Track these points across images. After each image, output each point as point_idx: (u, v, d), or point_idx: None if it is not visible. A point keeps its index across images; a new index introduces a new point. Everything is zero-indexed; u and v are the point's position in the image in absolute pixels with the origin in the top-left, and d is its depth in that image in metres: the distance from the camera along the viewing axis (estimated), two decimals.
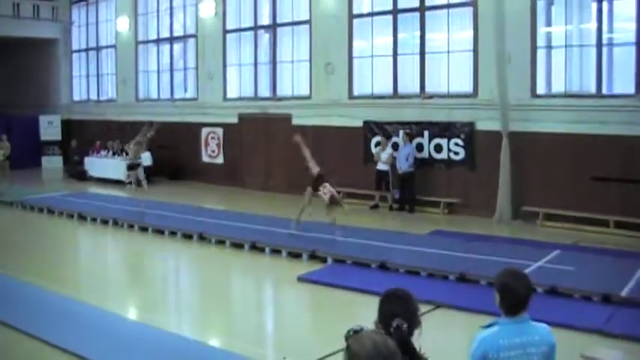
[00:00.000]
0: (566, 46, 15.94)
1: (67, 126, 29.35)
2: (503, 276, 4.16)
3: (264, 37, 22.55)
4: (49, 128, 29.32)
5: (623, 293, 9.80)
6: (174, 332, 8.99)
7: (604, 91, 15.45)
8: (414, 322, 3.43)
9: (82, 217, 17.29)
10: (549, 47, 16.32)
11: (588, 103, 15.41)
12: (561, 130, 15.59)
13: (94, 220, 16.97)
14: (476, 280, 10.78)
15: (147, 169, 23.89)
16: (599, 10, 15.41)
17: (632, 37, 15.02)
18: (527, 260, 11.36)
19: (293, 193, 20.50)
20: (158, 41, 26.33)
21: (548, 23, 16.40)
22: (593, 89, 15.55)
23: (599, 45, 15.39)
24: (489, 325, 4.10)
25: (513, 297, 4.04)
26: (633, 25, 14.99)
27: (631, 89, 15.01)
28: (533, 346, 3.99)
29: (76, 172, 26.31)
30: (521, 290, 4.04)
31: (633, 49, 14.99)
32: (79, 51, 30.31)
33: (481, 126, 17.03)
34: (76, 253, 15.00)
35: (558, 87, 16.17)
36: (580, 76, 15.85)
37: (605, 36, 15.45)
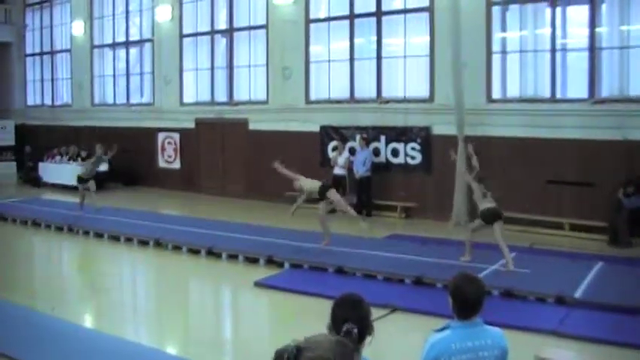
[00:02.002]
0: (520, 52, 16.15)
1: (21, 131, 28.85)
2: (455, 280, 4.17)
3: (221, 42, 22.46)
4: (2, 133, 28.74)
5: (577, 295, 9.93)
6: (131, 339, 8.88)
7: (558, 95, 15.67)
8: (364, 327, 3.41)
9: (36, 224, 16.99)
10: (504, 52, 16.50)
11: (543, 107, 15.62)
12: (516, 134, 15.77)
13: (48, 226, 16.70)
14: (432, 284, 10.82)
15: (102, 174, 23.74)
16: (553, 16, 15.63)
17: (585, 43, 15.25)
18: (483, 263, 11.46)
19: (251, 198, 20.54)
20: (114, 45, 26.06)
21: (504, 29, 16.58)
22: (547, 94, 15.76)
23: (553, 50, 15.61)
24: (442, 329, 4.10)
25: (465, 300, 4.04)
26: (586, 31, 15.22)
27: (584, 94, 15.24)
28: (485, 350, 4.00)
29: (30, 177, 25.93)
30: (473, 294, 4.04)
31: (586, 54, 15.23)
32: (32, 55, 29.84)
33: (437, 130, 17.14)
34: (29, 261, 14.74)
35: (513, 92, 16.35)
36: (535, 81, 16.05)
37: (559, 41, 15.69)
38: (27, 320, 9.49)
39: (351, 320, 3.33)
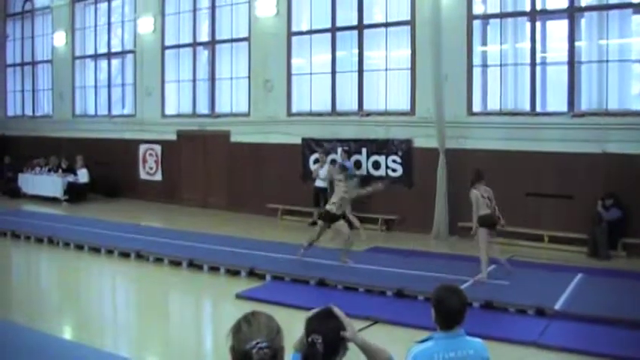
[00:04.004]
0: (501, 65, 16.26)
1: (1, 142, 28.69)
2: (438, 291, 4.22)
3: (203, 54, 22.49)
4: None
5: (557, 306, 10.00)
6: (111, 352, 8.83)
7: (538, 108, 15.80)
8: (334, 340, 3.40)
9: (15, 236, 16.85)
10: (485, 66, 16.62)
11: (522, 120, 15.74)
12: (496, 147, 15.88)
13: (27, 238, 16.58)
14: (413, 296, 10.86)
15: (83, 185, 23.67)
16: (533, 30, 15.79)
17: (565, 57, 15.40)
18: (463, 275, 11.50)
19: (232, 210, 20.51)
20: (96, 56, 26.00)
21: (484, 42, 16.71)
22: (527, 107, 15.89)
23: (533, 64, 15.75)
24: (424, 340, 4.15)
25: (447, 311, 4.10)
26: (565, 45, 15.37)
27: (564, 107, 15.39)
28: None
29: (9, 189, 25.77)
30: (455, 304, 4.10)
31: (565, 68, 15.38)
32: (13, 65, 29.69)
33: (418, 143, 17.23)
34: (8, 273, 14.59)
35: (494, 105, 16.47)
36: (515, 94, 16.16)
37: (538, 55, 15.83)
38: (4, 333, 9.41)
39: (319, 331, 3.34)
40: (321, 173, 18.27)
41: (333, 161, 18.42)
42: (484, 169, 15.25)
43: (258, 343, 2.82)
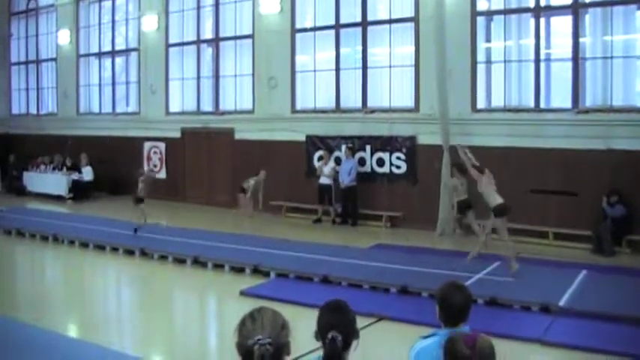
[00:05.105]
0: (505, 62, 16.25)
1: (5, 140, 28.71)
2: (442, 288, 4.23)
3: (207, 51, 22.48)
4: None
5: (561, 303, 9.98)
6: (116, 349, 8.83)
7: (542, 105, 15.79)
8: (350, 333, 3.44)
9: (20, 234, 16.88)
10: (489, 62, 16.60)
11: (527, 117, 15.72)
12: (501, 144, 15.83)
13: (32, 236, 16.60)
14: (417, 293, 10.86)
15: (88, 183, 23.70)
16: (537, 27, 15.76)
17: (569, 53, 15.39)
18: (468, 272, 11.50)
19: (236, 207, 20.49)
20: (100, 54, 26.00)
21: (488, 39, 16.70)
22: (531, 103, 15.88)
23: (537, 60, 15.74)
24: (429, 336, 4.14)
25: (452, 308, 4.10)
26: (570, 41, 15.35)
27: (568, 103, 15.37)
28: None
29: (14, 187, 25.81)
30: (460, 301, 4.10)
31: (570, 64, 15.36)
32: (18, 64, 29.72)
33: (423, 140, 17.20)
34: (13, 271, 14.62)
35: (498, 101, 16.44)
36: (519, 91, 16.15)
37: (542, 51, 15.81)
38: (10, 330, 9.41)
39: (336, 325, 3.36)
40: (325, 170, 18.26)
41: (337, 159, 18.44)
42: (488, 165, 15.29)
43: (259, 339, 2.83)
